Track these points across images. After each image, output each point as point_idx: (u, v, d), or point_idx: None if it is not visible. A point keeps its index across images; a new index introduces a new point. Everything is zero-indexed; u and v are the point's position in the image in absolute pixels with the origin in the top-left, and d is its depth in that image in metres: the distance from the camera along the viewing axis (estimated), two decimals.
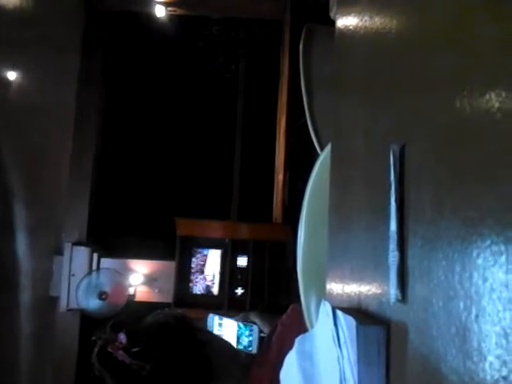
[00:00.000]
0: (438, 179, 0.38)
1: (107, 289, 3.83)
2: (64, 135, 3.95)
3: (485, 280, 0.30)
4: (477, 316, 0.30)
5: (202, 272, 4.09)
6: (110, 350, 1.02)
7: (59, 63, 3.71)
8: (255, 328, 1.41)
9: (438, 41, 0.40)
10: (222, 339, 1.33)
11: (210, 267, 4.10)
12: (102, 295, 3.81)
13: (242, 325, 1.47)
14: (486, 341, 0.29)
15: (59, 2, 3.78)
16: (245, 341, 1.44)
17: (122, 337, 1.03)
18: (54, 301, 3.90)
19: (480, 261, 0.30)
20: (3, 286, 2.95)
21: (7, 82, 2.98)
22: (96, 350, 1.04)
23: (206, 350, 1.10)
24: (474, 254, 0.31)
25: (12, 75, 3.04)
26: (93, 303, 3.79)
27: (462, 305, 0.32)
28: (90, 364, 1.05)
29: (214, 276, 4.08)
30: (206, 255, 4.12)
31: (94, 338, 1.06)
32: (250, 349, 1.39)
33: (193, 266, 4.09)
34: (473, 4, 0.34)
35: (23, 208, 3.11)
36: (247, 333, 1.45)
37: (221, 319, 1.49)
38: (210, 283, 4.08)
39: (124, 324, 1.09)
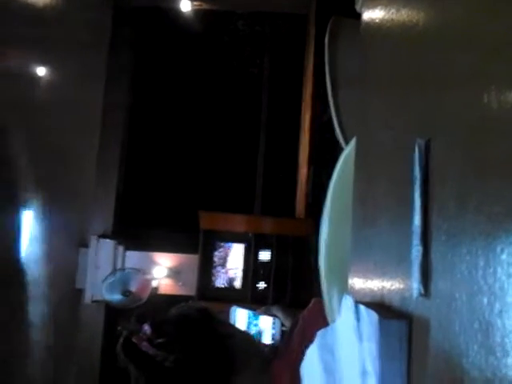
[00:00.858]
0: (462, 174, 0.38)
1: (132, 287, 3.88)
2: (91, 131, 4.01)
3: (509, 276, 0.30)
4: (500, 311, 0.30)
5: (224, 266, 4.12)
6: (134, 340, 1.04)
7: (87, 61, 3.76)
8: (277, 321, 1.41)
9: (465, 35, 0.39)
10: (244, 332, 1.34)
11: (232, 261, 4.12)
12: (126, 293, 3.85)
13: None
14: (509, 336, 0.29)
15: (86, 1, 3.83)
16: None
17: (147, 328, 1.05)
18: (80, 293, 3.97)
19: (504, 256, 0.30)
20: (29, 279, 3.01)
21: (36, 80, 3.04)
22: (121, 340, 1.06)
23: (227, 343, 1.11)
24: (498, 249, 0.31)
25: (41, 73, 3.09)
26: (117, 298, 3.84)
27: (485, 300, 0.32)
28: (115, 354, 1.07)
29: (236, 270, 4.10)
30: (228, 249, 4.14)
31: (119, 329, 1.08)
32: (272, 342, 1.40)
33: (216, 259, 4.11)
34: None
35: (50, 201, 3.18)
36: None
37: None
38: (232, 277, 4.10)
39: (148, 316, 1.11)
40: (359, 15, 0.93)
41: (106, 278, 3.85)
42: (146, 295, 3.91)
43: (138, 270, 3.98)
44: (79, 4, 3.64)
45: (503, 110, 0.32)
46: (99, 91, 4.05)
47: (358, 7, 1.03)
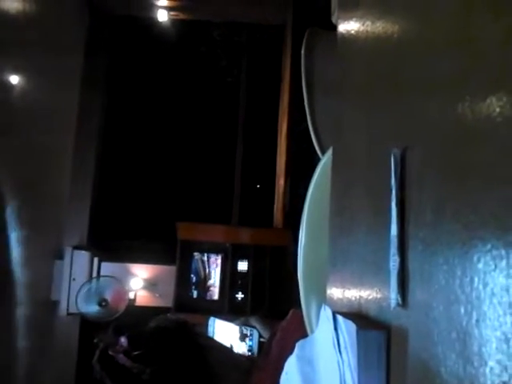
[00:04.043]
0: (438, 183, 0.38)
1: (107, 296, 3.83)
2: (66, 137, 3.96)
3: (485, 285, 0.30)
4: (477, 321, 0.30)
5: (202, 277, 4.09)
6: (111, 353, 1.02)
7: (62, 65, 3.72)
8: (255, 332, 1.41)
9: (438, 45, 0.40)
10: (222, 344, 1.33)
11: (210, 272, 4.09)
12: (102, 302, 3.80)
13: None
14: (486, 346, 0.29)
15: (62, 5, 3.80)
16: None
17: (123, 340, 1.03)
18: (55, 305, 3.90)
19: (481, 265, 0.30)
20: (3, 290, 2.94)
21: (10, 83, 2.99)
22: (97, 353, 1.04)
23: (205, 355, 1.10)
24: (475, 258, 0.31)
25: (15, 76, 3.05)
26: (92, 309, 3.78)
27: (462, 309, 0.32)
28: (91, 367, 1.05)
29: (214, 281, 4.08)
30: (206, 260, 4.11)
31: (95, 341, 1.06)
32: (249, 353, 1.39)
33: (193, 270, 4.08)
34: (473, 6, 0.34)
35: (23, 211, 3.12)
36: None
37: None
38: (210, 288, 4.08)
39: (125, 328, 1.09)
40: (335, 27, 0.94)
41: (81, 287, 3.79)
42: (122, 305, 3.86)
43: (113, 278, 3.93)
44: (55, 8, 3.60)
45: (478, 119, 0.32)
46: (74, 97, 4.01)
47: (333, 19, 1.05)
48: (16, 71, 3.04)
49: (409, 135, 0.45)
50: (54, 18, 3.56)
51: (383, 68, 0.57)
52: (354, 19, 0.74)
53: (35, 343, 3.39)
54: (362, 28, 0.68)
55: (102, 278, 3.95)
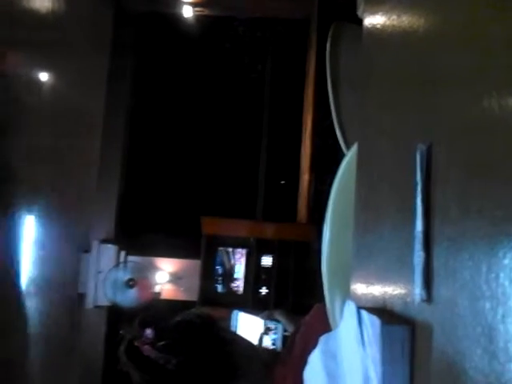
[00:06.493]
0: (464, 179, 0.38)
1: (135, 277, 3.90)
2: (93, 134, 4.02)
3: (511, 280, 0.30)
4: (503, 316, 0.30)
5: (226, 271, 4.11)
6: (136, 344, 1.04)
7: (88, 64, 3.77)
8: (280, 326, 1.41)
9: (464, 39, 0.40)
10: (245, 339, 1.34)
11: (234, 266, 4.11)
12: (130, 282, 3.86)
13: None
14: None
15: (88, 4, 3.85)
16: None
17: (149, 332, 1.05)
18: (82, 297, 3.97)
19: (506, 261, 0.30)
20: (30, 283, 3.01)
21: (38, 83, 3.05)
22: (123, 344, 1.06)
23: (228, 349, 1.11)
24: (501, 254, 0.31)
25: (43, 76, 3.10)
26: (121, 294, 3.84)
27: (488, 305, 0.32)
28: (117, 359, 1.07)
29: (238, 275, 4.10)
30: (231, 254, 4.13)
31: (121, 333, 1.08)
32: (273, 347, 1.40)
33: (218, 264, 4.11)
34: (500, 1, 0.34)
35: (52, 206, 3.18)
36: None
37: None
38: (234, 282, 4.10)
39: (151, 320, 1.11)
40: (361, 21, 0.93)
41: (108, 272, 3.86)
42: (148, 297, 3.92)
43: (138, 263, 4.00)
44: (80, 8, 3.65)
45: (504, 113, 0.32)
46: (100, 95, 4.06)
47: (359, 13, 1.04)
48: (42, 71, 3.09)
49: (434, 131, 0.45)
50: (78, 17, 3.61)
51: (409, 63, 0.56)
52: (380, 13, 0.73)
53: (63, 336, 3.46)
54: (388, 22, 0.68)
55: (129, 263, 4.01)
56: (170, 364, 1.02)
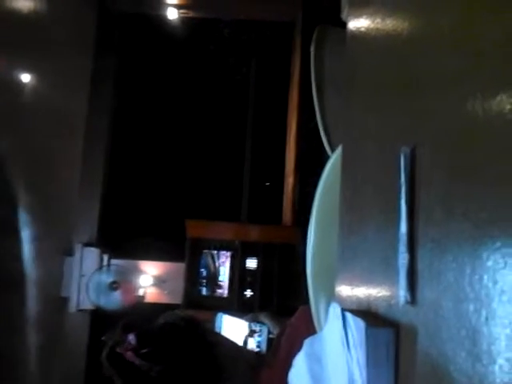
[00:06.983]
0: (448, 181, 0.38)
1: (118, 280, 3.87)
2: (75, 136, 3.98)
3: (495, 282, 0.30)
4: (487, 318, 0.30)
5: (211, 274, 4.10)
6: (119, 350, 1.03)
7: (71, 65, 3.73)
8: (265, 329, 1.41)
9: (448, 42, 0.40)
10: (230, 341, 1.33)
11: (219, 269, 4.10)
12: (113, 285, 3.83)
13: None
14: (495, 343, 0.29)
15: (71, 4, 3.81)
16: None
17: (132, 338, 1.04)
18: (65, 301, 3.93)
19: (490, 263, 0.30)
20: (14, 288, 2.97)
21: (19, 84, 3.01)
22: (105, 350, 1.05)
23: (214, 352, 1.10)
24: (484, 256, 0.31)
25: (23, 77, 3.06)
26: (104, 297, 3.81)
27: (471, 307, 0.32)
28: (100, 364, 1.06)
29: (223, 278, 4.08)
30: (215, 257, 4.12)
31: (103, 339, 1.07)
32: (258, 349, 1.39)
33: (202, 267, 4.09)
34: (483, 5, 0.34)
35: (34, 209, 3.14)
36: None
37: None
38: (219, 285, 4.08)
39: (134, 325, 1.10)
40: (345, 24, 0.93)
41: (91, 275, 3.83)
42: (132, 301, 3.89)
43: (122, 266, 3.97)
44: (63, 8, 3.61)
45: (488, 116, 0.32)
46: (83, 96, 4.03)
47: (343, 16, 1.04)
48: (24, 72, 3.05)
49: (418, 133, 0.45)
50: (61, 17, 3.57)
51: (393, 66, 0.57)
52: (364, 16, 0.74)
53: (45, 340, 3.41)
54: (371, 25, 0.68)
55: (112, 266, 3.98)
56: (153, 371, 1.01)
